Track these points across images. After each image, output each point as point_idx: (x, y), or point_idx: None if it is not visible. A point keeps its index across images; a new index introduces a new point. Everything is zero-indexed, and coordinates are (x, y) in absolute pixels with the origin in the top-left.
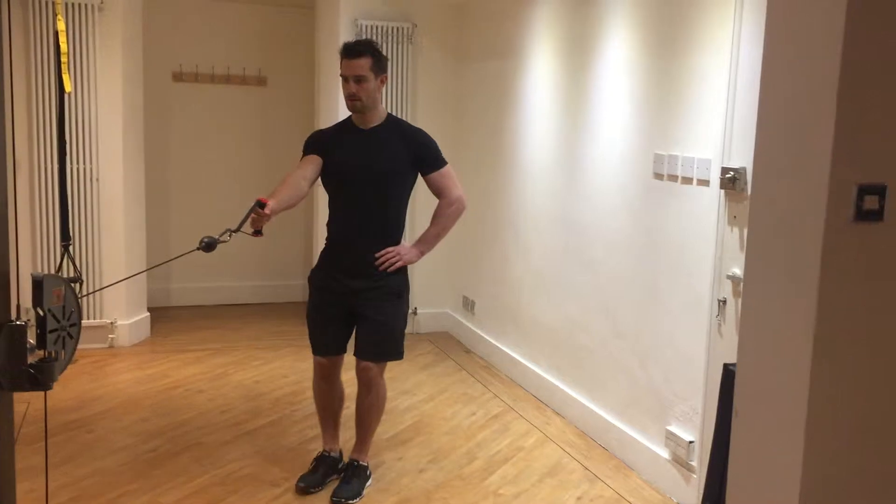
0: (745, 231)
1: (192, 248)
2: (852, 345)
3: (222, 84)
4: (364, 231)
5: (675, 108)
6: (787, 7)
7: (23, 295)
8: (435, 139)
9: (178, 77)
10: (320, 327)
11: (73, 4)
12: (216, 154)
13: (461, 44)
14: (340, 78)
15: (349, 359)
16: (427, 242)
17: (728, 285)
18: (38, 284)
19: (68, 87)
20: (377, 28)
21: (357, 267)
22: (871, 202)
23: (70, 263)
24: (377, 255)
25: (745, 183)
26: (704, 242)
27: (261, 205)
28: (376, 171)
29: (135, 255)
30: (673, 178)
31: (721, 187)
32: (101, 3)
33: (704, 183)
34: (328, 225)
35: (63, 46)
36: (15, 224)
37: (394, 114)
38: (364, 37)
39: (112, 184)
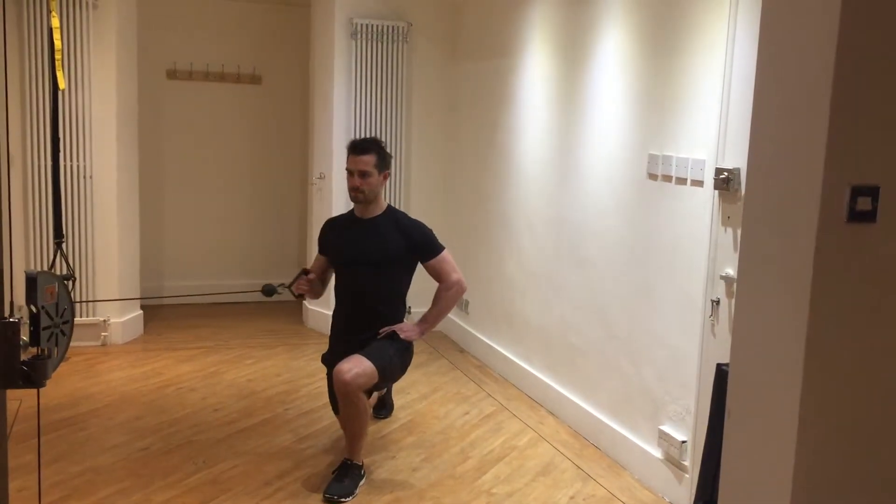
0: (739, 232)
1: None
2: (845, 345)
3: (217, 82)
4: (365, 313)
5: (670, 108)
6: (781, 8)
7: (16, 292)
8: (429, 139)
9: (172, 75)
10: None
11: (67, 1)
12: (210, 152)
13: (456, 43)
14: (346, 171)
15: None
16: (428, 322)
17: (721, 286)
18: (31, 281)
19: (62, 84)
20: (372, 27)
21: (362, 343)
22: (864, 203)
23: (63, 260)
24: (380, 331)
25: (739, 184)
26: (698, 243)
27: (306, 272)
28: (371, 260)
29: (128, 252)
30: (667, 178)
31: (715, 188)
32: (96, 0)
33: (698, 183)
34: (334, 309)
35: (57, 43)
36: (8, 221)
37: (389, 117)
38: (360, 36)
39: (105, 181)
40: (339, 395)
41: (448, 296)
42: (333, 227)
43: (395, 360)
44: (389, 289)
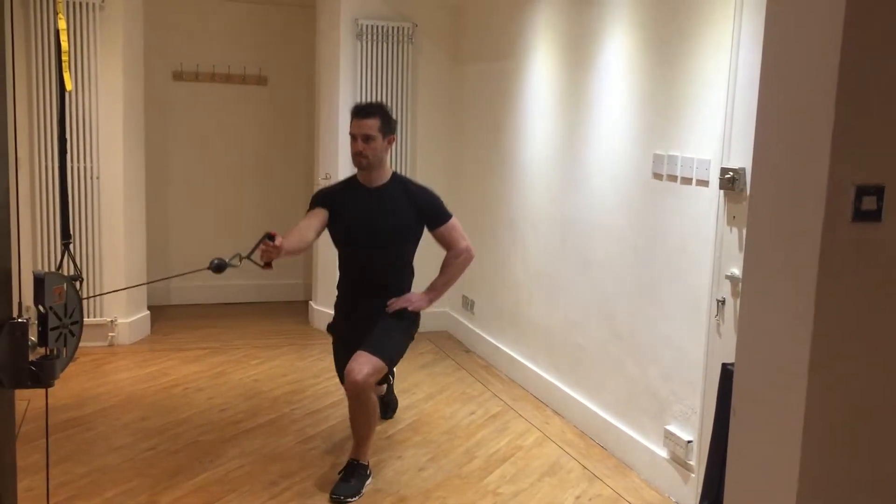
0: (744, 231)
1: (193, 266)
2: (850, 345)
3: (223, 83)
4: (374, 285)
5: (675, 108)
6: (786, 8)
7: (24, 293)
8: (434, 139)
9: (178, 76)
10: (346, 359)
11: (74, 3)
12: (216, 153)
13: (461, 44)
14: (349, 135)
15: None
16: (436, 290)
17: (727, 285)
18: (39, 282)
19: (69, 85)
20: (377, 28)
21: (368, 314)
22: (869, 203)
23: (70, 261)
24: (389, 302)
25: (745, 183)
26: (703, 242)
27: (270, 237)
28: (383, 230)
29: (135, 253)
30: (672, 178)
31: (720, 188)
32: (102, 2)
33: (704, 183)
34: (339, 276)
35: (64, 45)
36: (16, 222)
37: (395, 117)
38: (365, 37)
39: (112, 182)
40: (349, 395)
41: (457, 263)
42: (336, 194)
43: (401, 343)
44: (399, 258)
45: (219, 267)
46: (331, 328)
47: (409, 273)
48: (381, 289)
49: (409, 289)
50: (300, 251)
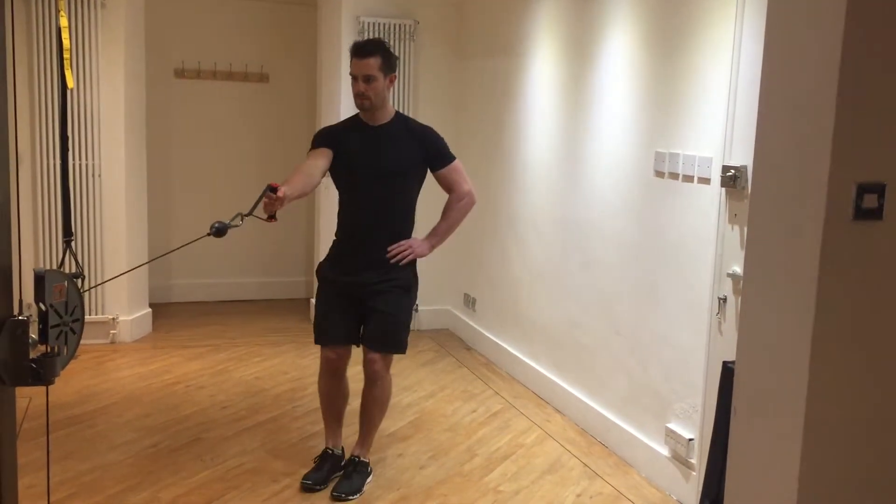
0: (746, 229)
1: (201, 235)
2: (851, 343)
3: (224, 81)
4: (375, 226)
5: (676, 106)
6: (787, 6)
7: (25, 290)
8: (440, 135)
9: (180, 73)
10: (328, 318)
11: (75, 1)
12: (218, 150)
13: (463, 41)
14: (350, 76)
15: (355, 354)
16: (438, 236)
17: (728, 283)
18: (39, 280)
19: (71, 83)
20: (379, 25)
21: (367, 261)
22: (870, 201)
23: (72, 259)
24: (389, 248)
25: (746, 181)
26: (705, 240)
27: (272, 189)
28: (387, 168)
29: (136, 251)
30: (674, 176)
31: (722, 185)
32: None
33: (705, 181)
34: (339, 219)
35: (66, 42)
36: (17, 219)
37: (395, 107)
38: (367, 34)
39: (114, 180)
40: (366, 377)
41: (459, 206)
42: (339, 133)
43: (408, 322)
44: (403, 199)
45: (219, 230)
46: (319, 270)
47: (410, 219)
48: (385, 230)
49: (410, 232)
50: (306, 194)
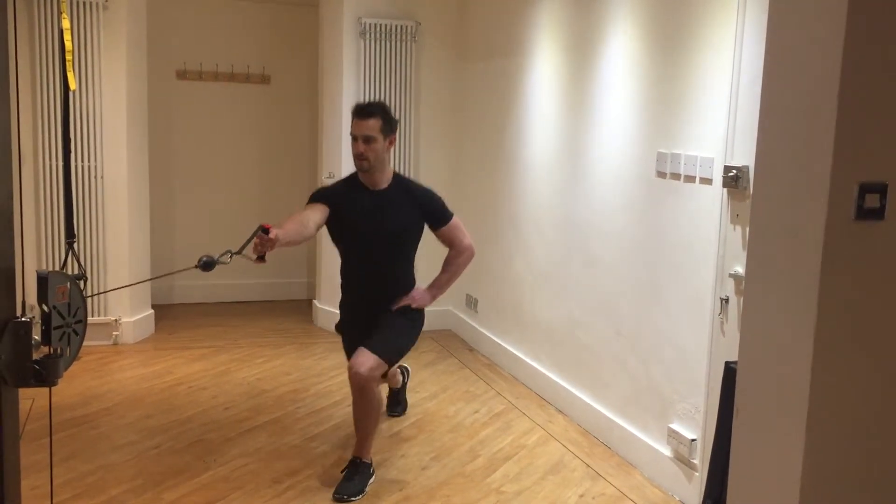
0: (748, 229)
1: (190, 265)
2: (853, 343)
3: (226, 82)
4: (377, 285)
5: (678, 106)
6: (789, 6)
7: (28, 291)
8: (437, 138)
9: (181, 75)
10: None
11: (77, 2)
12: (220, 152)
13: (464, 42)
14: (350, 137)
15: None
16: (439, 287)
17: (730, 283)
18: (42, 281)
19: (73, 84)
20: (380, 26)
21: (373, 312)
22: (871, 200)
23: (74, 260)
24: (394, 308)
25: (748, 181)
26: (707, 241)
27: (264, 230)
28: (388, 232)
29: (139, 252)
30: (676, 176)
31: (724, 186)
32: (106, 1)
33: (707, 181)
34: (342, 277)
35: (68, 44)
36: (20, 221)
37: (398, 115)
38: (368, 35)
39: (116, 181)
40: (354, 389)
41: (459, 262)
42: (339, 195)
43: (406, 339)
44: (402, 258)
45: (207, 265)
46: (339, 328)
47: (411, 272)
48: (387, 287)
49: (412, 285)
50: (297, 243)
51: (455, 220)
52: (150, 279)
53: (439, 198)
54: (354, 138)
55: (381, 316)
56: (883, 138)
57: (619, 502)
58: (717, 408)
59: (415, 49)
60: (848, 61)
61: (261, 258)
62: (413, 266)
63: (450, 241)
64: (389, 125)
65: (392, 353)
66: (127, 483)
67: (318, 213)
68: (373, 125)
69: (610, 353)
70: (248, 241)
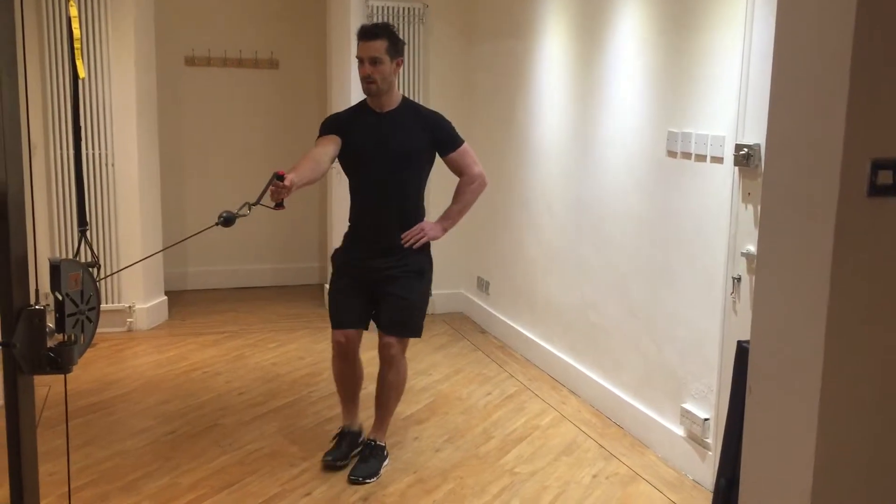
0: (760, 208)
1: (210, 224)
2: (865, 321)
3: (234, 68)
4: (386, 212)
5: (689, 85)
6: None
7: (41, 279)
8: (448, 120)
9: (190, 61)
10: (340, 303)
11: None
12: (230, 137)
13: (472, 24)
14: (356, 60)
15: (367, 338)
16: (450, 218)
17: (742, 262)
18: (55, 269)
19: (82, 72)
20: (388, 9)
21: (380, 247)
22: (885, 177)
23: (87, 248)
24: (402, 235)
25: (759, 160)
26: (718, 220)
27: (279, 177)
28: (395, 155)
29: (151, 238)
30: (686, 155)
31: (735, 164)
32: None
33: (718, 160)
34: (351, 207)
35: (76, 32)
36: (32, 209)
37: (406, 95)
38: (376, 19)
39: (127, 168)
40: (382, 361)
41: (471, 189)
42: (346, 119)
43: (423, 307)
44: (414, 185)
45: (228, 220)
46: (334, 258)
47: (420, 203)
48: (397, 216)
49: (421, 218)
50: (314, 181)
51: (465, 146)
52: (169, 247)
53: (449, 122)
54: (361, 61)
55: (384, 279)
56: None
57: (633, 482)
58: (729, 387)
59: (423, 31)
60: (860, 35)
61: (279, 205)
62: (422, 199)
63: (460, 169)
64: (396, 46)
65: (413, 331)
66: (144, 468)
67: (332, 146)
68: (379, 46)
69: (622, 333)
70: (265, 189)
